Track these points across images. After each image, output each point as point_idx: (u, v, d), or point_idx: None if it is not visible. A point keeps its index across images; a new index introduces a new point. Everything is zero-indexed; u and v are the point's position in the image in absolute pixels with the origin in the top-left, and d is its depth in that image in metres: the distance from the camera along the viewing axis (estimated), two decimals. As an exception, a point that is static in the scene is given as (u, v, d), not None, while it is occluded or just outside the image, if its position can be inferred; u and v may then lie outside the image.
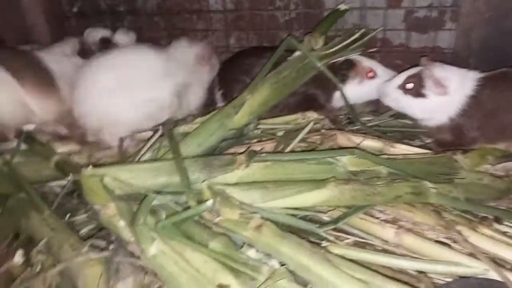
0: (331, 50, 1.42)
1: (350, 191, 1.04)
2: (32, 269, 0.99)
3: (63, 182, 1.26)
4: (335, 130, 1.39)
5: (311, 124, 1.33)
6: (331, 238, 1.02)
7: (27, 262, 1.02)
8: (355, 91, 1.53)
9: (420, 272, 0.92)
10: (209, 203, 0.88)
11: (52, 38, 2.02)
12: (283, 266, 0.82)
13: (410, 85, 1.31)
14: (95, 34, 1.90)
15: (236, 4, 1.87)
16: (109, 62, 1.51)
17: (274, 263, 0.83)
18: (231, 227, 0.90)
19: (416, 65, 1.36)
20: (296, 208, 1.04)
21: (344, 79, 1.51)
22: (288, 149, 1.26)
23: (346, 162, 1.13)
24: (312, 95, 1.56)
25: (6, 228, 1.19)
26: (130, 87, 1.46)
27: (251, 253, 0.86)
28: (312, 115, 1.54)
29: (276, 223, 0.93)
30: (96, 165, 1.02)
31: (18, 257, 1.02)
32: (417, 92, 1.30)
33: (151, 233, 0.85)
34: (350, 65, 1.51)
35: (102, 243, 0.99)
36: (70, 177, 1.02)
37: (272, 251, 0.85)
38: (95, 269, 0.88)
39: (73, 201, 1.21)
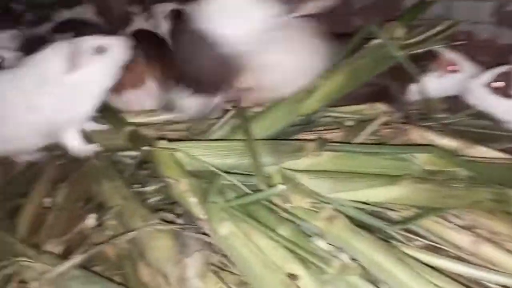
0: (413, 40, 1.35)
1: (426, 191, 0.99)
2: (103, 233, 1.04)
3: (133, 153, 1.30)
4: (408, 125, 1.33)
5: (383, 117, 1.28)
6: (400, 238, 0.99)
7: (99, 226, 1.06)
8: (434, 85, 1.45)
9: (500, 286, 0.87)
10: (282, 187, 0.87)
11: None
12: (354, 261, 0.80)
13: (499, 84, 1.22)
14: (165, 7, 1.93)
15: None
16: None
17: (345, 258, 0.82)
18: (301, 215, 0.89)
19: (505, 63, 1.27)
20: (365, 203, 1.01)
21: (423, 71, 1.43)
22: (358, 140, 1.22)
23: (422, 160, 1.07)
24: (385, 87, 1.49)
25: (79, 191, 1.25)
26: None
27: (321, 244, 0.84)
28: (382, 107, 1.48)
29: (343, 215, 0.91)
30: (169, 140, 1.04)
31: (91, 220, 1.07)
32: (506, 92, 1.21)
33: (222, 213, 0.86)
34: (431, 56, 1.43)
35: (170, 216, 1.02)
36: (144, 149, 1.04)
37: (343, 244, 0.83)
38: (163, 241, 0.90)
39: (143, 172, 1.24)
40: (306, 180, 0.97)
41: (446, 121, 1.48)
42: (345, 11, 1.82)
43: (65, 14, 2.01)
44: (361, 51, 1.36)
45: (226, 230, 0.83)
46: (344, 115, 1.44)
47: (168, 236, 0.91)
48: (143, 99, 1.52)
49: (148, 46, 1.58)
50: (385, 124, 1.35)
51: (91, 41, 1.21)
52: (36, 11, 2.04)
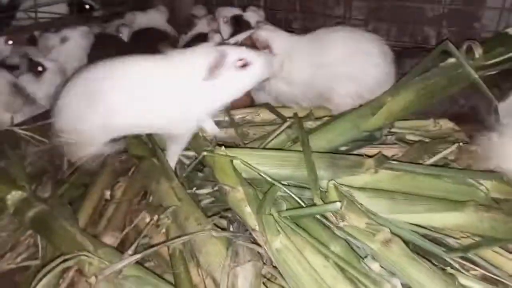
0: (492, 61, 1.27)
1: (491, 220, 0.95)
2: (158, 231, 1.08)
3: (190, 153, 1.34)
4: (474, 145, 1.27)
5: (455, 145, 1.22)
6: (457, 267, 0.95)
7: (155, 224, 1.10)
8: None
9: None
10: (337, 204, 0.87)
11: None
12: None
13: None
14: (227, 12, 1.97)
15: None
16: None
17: (397, 283, 0.80)
18: (356, 235, 0.88)
19: None
20: (424, 227, 0.98)
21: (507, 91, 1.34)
22: (427, 162, 1.18)
23: (489, 187, 1.03)
24: (473, 107, 1.42)
25: (137, 186, 1.31)
26: None
27: (374, 266, 0.83)
28: (446, 124, 1.42)
29: (400, 238, 0.89)
30: (226, 146, 1.07)
31: (147, 215, 1.12)
32: None
33: (276, 225, 0.86)
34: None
35: (224, 222, 1.04)
36: (203, 153, 1.07)
37: (398, 270, 0.81)
38: (217, 248, 0.92)
39: (199, 175, 1.28)
40: (363, 199, 0.96)
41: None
42: (417, 20, 1.75)
43: (138, 17, 2.10)
44: (434, 69, 1.30)
45: (279, 243, 0.83)
46: (404, 130, 1.41)
47: (221, 242, 0.93)
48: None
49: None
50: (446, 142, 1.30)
51: (236, 54, 1.20)
52: (107, 9, 2.14)
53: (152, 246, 1.07)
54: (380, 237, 0.85)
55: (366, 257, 0.86)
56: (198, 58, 1.20)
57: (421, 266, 0.80)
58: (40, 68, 1.85)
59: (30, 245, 1.23)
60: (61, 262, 0.92)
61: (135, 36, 1.96)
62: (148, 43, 1.86)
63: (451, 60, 1.27)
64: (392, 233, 0.88)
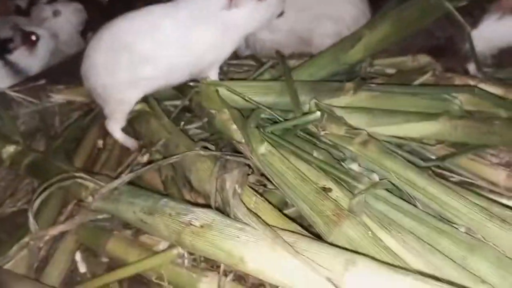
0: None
1: (464, 127, 1.01)
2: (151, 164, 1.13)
3: (178, 102, 1.39)
4: (452, 73, 1.33)
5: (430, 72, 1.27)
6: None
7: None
8: (493, 29, 1.38)
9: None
10: (318, 113, 0.92)
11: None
12: (384, 179, 0.84)
13: None
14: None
15: None
16: None
17: (375, 177, 0.86)
18: (336, 141, 0.94)
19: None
20: (402, 138, 1.04)
21: (479, 18, 1.38)
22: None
23: (463, 100, 1.09)
24: (448, 38, 1.46)
25: (130, 132, 1.36)
26: None
27: (353, 166, 0.89)
28: (424, 58, 1.48)
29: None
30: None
31: (143, 156, 1.17)
32: None
33: (260, 136, 0.92)
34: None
35: (213, 147, 1.09)
36: (189, 94, 1.12)
37: (376, 166, 0.87)
38: (205, 164, 0.98)
39: (187, 115, 1.33)
40: (342, 114, 1.02)
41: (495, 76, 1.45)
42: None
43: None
44: (409, 1, 1.35)
45: (263, 149, 0.89)
46: (384, 67, 1.47)
47: (209, 159, 0.98)
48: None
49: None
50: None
51: None
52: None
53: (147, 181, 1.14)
54: (358, 139, 0.91)
55: (345, 160, 0.92)
56: None
57: (397, 159, 0.86)
58: (33, 37, 1.87)
59: (28, 192, 1.28)
60: (57, 181, 0.97)
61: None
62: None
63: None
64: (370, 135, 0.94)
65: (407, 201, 0.80)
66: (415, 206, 0.79)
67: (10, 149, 1.29)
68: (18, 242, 0.99)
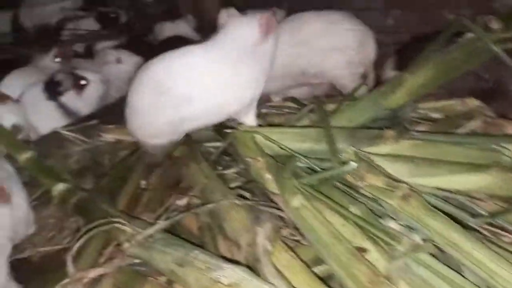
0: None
1: (517, 181, 0.92)
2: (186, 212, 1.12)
3: (217, 144, 1.38)
4: (503, 119, 1.23)
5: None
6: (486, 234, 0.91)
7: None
8: None
9: None
10: (354, 164, 0.87)
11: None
12: (427, 241, 0.77)
13: None
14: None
15: (401, -20, 1.79)
16: None
17: (417, 238, 0.79)
18: (375, 194, 0.88)
19: None
20: (447, 191, 0.96)
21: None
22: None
23: (514, 152, 0.99)
24: (499, 82, 1.38)
25: (171, 174, 1.37)
26: None
27: (393, 224, 0.82)
28: (472, 102, 1.39)
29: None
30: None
31: (181, 200, 1.16)
32: None
33: (294, 188, 0.88)
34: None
35: (248, 195, 1.06)
36: (227, 132, 1.11)
37: (418, 224, 0.80)
38: (239, 214, 0.95)
39: (226, 159, 1.32)
40: (382, 163, 0.96)
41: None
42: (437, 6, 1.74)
43: (167, 27, 2.21)
44: (453, 45, 1.29)
45: (297, 202, 0.85)
46: (430, 111, 1.39)
47: (244, 209, 0.95)
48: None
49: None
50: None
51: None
52: (143, 22, 2.27)
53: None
54: (399, 193, 0.84)
55: (385, 216, 0.85)
56: (248, 27, 1.19)
57: (442, 218, 0.79)
58: (83, 82, 1.97)
59: (74, 230, 1.30)
60: (96, 226, 0.97)
61: (162, 45, 2.05)
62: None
63: (469, 34, 1.25)
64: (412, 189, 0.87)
65: (451, 268, 0.72)
66: (461, 274, 0.71)
67: (60, 187, 1.33)
68: (58, 283, 1.00)
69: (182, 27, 2.11)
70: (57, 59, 2.12)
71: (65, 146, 1.66)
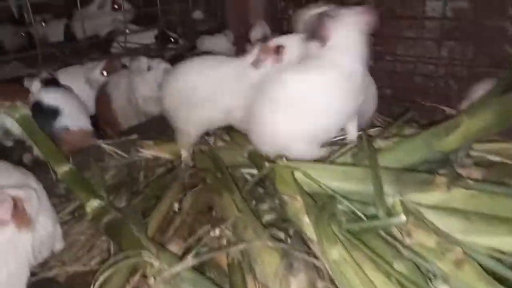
0: None
1: None
2: (218, 242, 1.07)
3: (252, 170, 1.33)
4: None
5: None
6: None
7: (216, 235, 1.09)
8: None
9: None
10: (402, 218, 0.79)
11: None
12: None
13: None
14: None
15: (457, 11, 1.67)
16: None
17: (471, 309, 0.69)
18: (424, 254, 0.78)
19: None
20: (504, 253, 0.85)
21: None
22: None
23: None
24: None
25: (203, 200, 1.32)
26: None
27: (443, 288, 0.73)
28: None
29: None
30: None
31: (212, 231, 1.11)
32: None
33: (334, 236, 0.80)
34: None
35: (281, 234, 1.00)
36: (265, 165, 1.05)
37: (471, 293, 0.71)
38: (271, 257, 0.88)
39: (260, 190, 1.26)
40: (432, 216, 0.87)
41: None
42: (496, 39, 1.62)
43: (206, 40, 2.20)
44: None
45: (337, 254, 0.77)
46: (485, 154, 1.27)
47: (277, 253, 0.89)
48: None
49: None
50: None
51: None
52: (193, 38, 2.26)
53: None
54: (451, 256, 0.75)
55: (434, 278, 0.76)
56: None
57: (499, 290, 0.69)
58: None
59: (103, 250, 1.28)
60: (124, 258, 0.93)
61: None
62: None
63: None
64: (467, 254, 0.77)
65: None
66: None
67: (94, 203, 1.31)
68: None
69: (220, 41, 2.09)
70: (105, 73, 2.14)
71: (104, 159, 1.66)
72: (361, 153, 1.16)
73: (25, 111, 1.41)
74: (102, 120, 2.07)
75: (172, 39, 2.32)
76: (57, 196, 1.47)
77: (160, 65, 2.14)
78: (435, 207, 0.90)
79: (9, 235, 0.93)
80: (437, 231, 0.82)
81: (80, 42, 2.43)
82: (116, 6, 2.53)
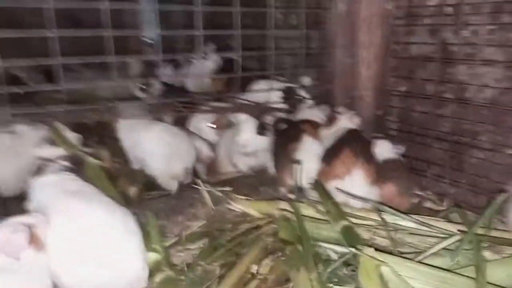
0: None
1: None
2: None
3: (339, 248, 1.20)
4: None
5: None
6: None
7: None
8: None
9: None
10: None
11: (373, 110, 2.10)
12: None
13: None
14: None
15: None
16: None
17: None
18: None
19: None
20: None
21: None
22: None
23: None
24: None
25: (281, 269, 1.22)
26: None
27: None
28: None
29: None
30: (378, 249, 0.91)
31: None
32: None
33: None
34: None
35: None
36: (351, 250, 0.93)
37: None
38: None
39: (344, 271, 1.12)
40: None
41: None
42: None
43: (304, 110, 2.16)
44: None
45: None
46: None
47: None
48: (349, 188, 1.46)
49: (355, 142, 1.61)
50: None
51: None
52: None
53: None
54: None
55: None
56: None
57: None
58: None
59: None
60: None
61: (294, 124, 1.96)
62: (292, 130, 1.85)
63: None
64: None
65: None
66: None
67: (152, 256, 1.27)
68: None
69: (315, 113, 2.03)
70: (212, 126, 2.18)
71: (195, 205, 1.68)
72: (463, 256, 0.97)
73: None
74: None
75: (297, 96, 2.27)
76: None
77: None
78: None
79: (29, 258, 0.99)
80: None
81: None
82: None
